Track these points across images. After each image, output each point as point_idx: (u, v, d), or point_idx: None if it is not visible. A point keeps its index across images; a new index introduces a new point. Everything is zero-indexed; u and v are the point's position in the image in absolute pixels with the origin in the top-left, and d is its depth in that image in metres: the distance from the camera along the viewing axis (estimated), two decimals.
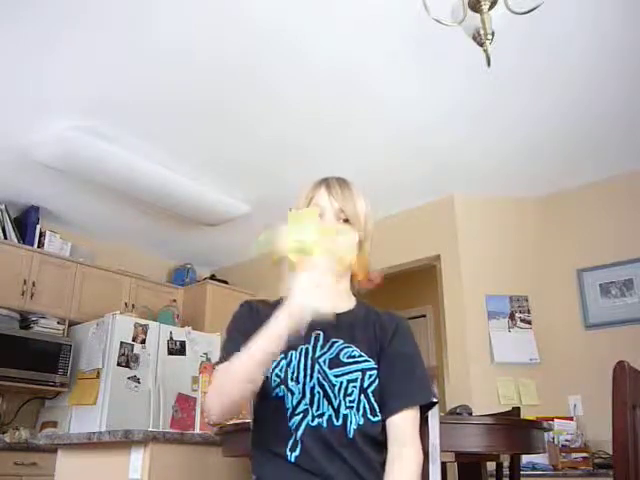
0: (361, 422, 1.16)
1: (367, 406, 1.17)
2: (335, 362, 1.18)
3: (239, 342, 1.12)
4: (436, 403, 1.26)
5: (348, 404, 1.16)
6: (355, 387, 1.17)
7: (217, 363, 1.19)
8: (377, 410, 1.18)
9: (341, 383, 1.16)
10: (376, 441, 1.18)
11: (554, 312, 3.82)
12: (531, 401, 3.62)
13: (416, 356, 1.26)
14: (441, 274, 4.09)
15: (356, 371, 1.18)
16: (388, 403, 1.18)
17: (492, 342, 3.79)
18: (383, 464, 1.18)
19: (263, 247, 1.04)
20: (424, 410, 1.25)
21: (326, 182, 1.30)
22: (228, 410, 1.14)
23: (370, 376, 1.18)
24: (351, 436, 1.15)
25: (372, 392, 1.18)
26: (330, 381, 1.16)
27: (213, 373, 1.18)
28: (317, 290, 1.01)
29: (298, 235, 1.02)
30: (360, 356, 1.20)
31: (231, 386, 1.10)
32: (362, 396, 1.17)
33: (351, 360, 1.19)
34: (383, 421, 1.19)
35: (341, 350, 1.20)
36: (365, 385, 1.18)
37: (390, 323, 1.27)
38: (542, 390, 3.68)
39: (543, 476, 3.22)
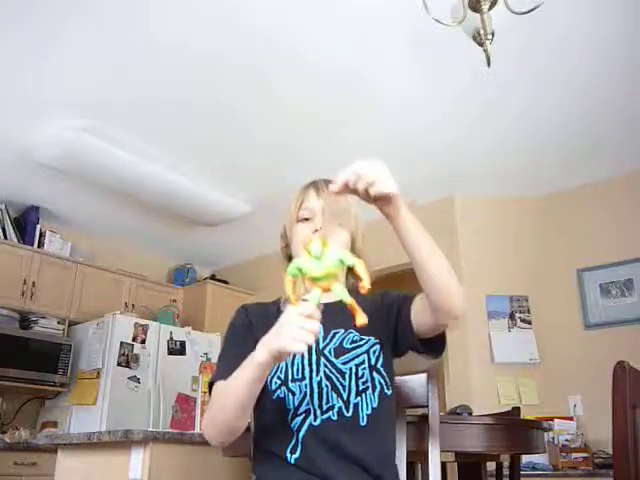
0: (375, 404, 1.18)
1: (382, 381, 1.20)
2: (340, 350, 1.20)
3: (232, 360, 1.13)
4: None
5: (362, 387, 1.17)
6: (365, 368, 1.19)
7: (211, 381, 1.20)
8: (389, 383, 1.22)
9: (350, 369, 1.18)
10: (391, 423, 1.21)
11: (554, 312, 3.82)
12: (531, 401, 3.62)
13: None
14: None
15: (361, 354, 1.20)
16: (406, 306, 1.20)
17: (492, 342, 3.80)
18: (393, 454, 1.22)
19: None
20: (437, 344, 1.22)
21: (314, 184, 1.33)
22: (226, 434, 1.14)
23: (374, 352, 1.21)
24: (364, 423, 1.15)
25: (382, 366, 1.21)
26: (339, 370, 1.18)
27: (210, 396, 1.19)
28: (300, 331, 0.94)
29: (301, 263, 0.97)
30: (361, 339, 1.22)
31: (224, 414, 1.11)
32: (374, 373, 1.19)
33: (354, 345, 1.21)
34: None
35: (343, 338, 1.22)
36: (373, 362, 1.20)
37: (375, 299, 1.28)
38: (542, 390, 3.68)
39: (543, 476, 3.22)
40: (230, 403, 1.09)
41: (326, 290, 0.98)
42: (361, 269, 0.97)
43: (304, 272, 0.97)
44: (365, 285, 0.96)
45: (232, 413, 1.09)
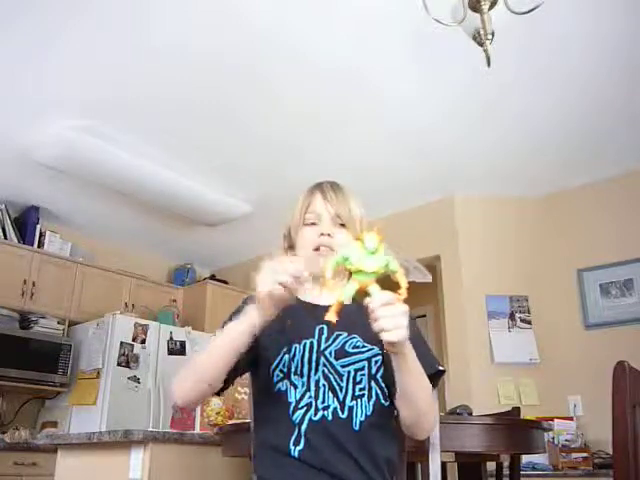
0: (369, 411, 1.17)
1: (379, 392, 1.19)
2: (341, 353, 1.20)
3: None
4: (443, 372, 1.27)
5: (358, 392, 1.17)
6: (364, 375, 1.19)
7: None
8: (388, 394, 1.20)
9: (349, 372, 1.18)
10: (384, 432, 1.19)
11: (554, 312, 3.82)
12: (531, 401, 3.62)
13: (415, 334, 1.27)
14: (441, 274, 4.09)
15: (362, 360, 1.20)
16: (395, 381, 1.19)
17: (492, 342, 3.79)
18: (388, 461, 1.19)
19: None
20: (433, 382, 1.25)
21: (320, 188, 1.34)
22: (196, 392, 1.18)
23: (376, 362, 1.20)
24: (357, 428, 1.15)
25: (381, 377, 1.20)
26: (337, 371, 1.18)
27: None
28: (274, 274, 1.00)
29: (351, 253, 0.99)
30: (363, 346, 1.22)
31: (204, 366, 1.15)
32: (372, 382, 1.19)
33: (356, 350, 1.21)
34: (393, 404, 1.20)
35: (346, 342, 1.21)
36: (373, 372, 1.20)
37: None
38: (542, 390, 3.68)
39: (543, 476, 3.22)
40: (211, 358, 1.14)
41: (363, 288, 0.99)
42: (401, 277, 0.98)
43: (351, 262, 0.98)
44: (403, 293, 0.97)
45: (211, 367, 1.14)
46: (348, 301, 1.02)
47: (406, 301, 1.00)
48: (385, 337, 0.99)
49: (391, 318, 0.97)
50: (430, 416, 1.19)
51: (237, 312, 1.29)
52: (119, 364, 3.96)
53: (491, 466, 2.46)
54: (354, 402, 1.17)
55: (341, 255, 0.99)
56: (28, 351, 3.94)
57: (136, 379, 4.01)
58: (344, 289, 0.98)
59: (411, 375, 1.10)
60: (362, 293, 0.99)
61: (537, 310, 3.88)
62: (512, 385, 3.70)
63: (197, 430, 2.47)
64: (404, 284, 0.98)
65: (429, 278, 1.24)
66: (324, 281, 1.00)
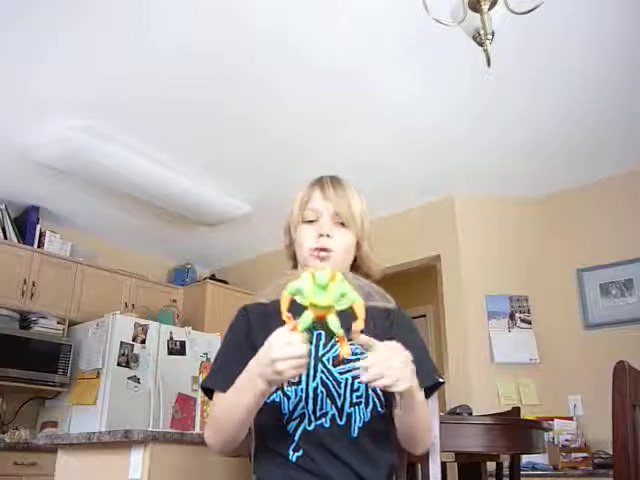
0: (367, 418, 1.16)
1: (376, 399, 1.17)
2: (339, 360, 1.17)
3: (228, 366, 1.16)
4: (442, 383, 1.25)
5: (355, 400, 1.16)
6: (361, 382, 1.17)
7: (206, 386, 1.22)
8: (384, 402, 1.18)
9: (346, 380, 1.16)
10: (382, 438, 1.18)
11: (554, 312, 3.82)
12: (531, 401, 3.62)
13: (416, 341, 1.26)
14: (441, 274, 4.09)
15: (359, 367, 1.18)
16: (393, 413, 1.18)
17: (492, 342, 3.79)
18: (387, 465, 1.19)
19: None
20: (431, 391, 1.24)
21: (320, 183, 1.29)
22: (228, 445, 1.17)
23: None
24: (355, 435, 1.14)
25: None
26: (335, 379, 1.16)
27: (211, 404, 1.21)
28: (287, 350, 0.96)
29: (303, 287, 0.96)
30: (362, 353, 1.17)
31: (226, 429, 1.14)
32: (370, 390, 1.17)
33: (354, 357, 1.17)
34: (391, 410, 1.18)
35: None
36: None
37: (387, 317, 1.27)
38: (542, 390, 3.68)
39: (543, 476, 3.22)
40: (230, 422, 1.12)
41: (320, 318, 0.98)
42: (359, 309, 0.97)
43: (304, 296, 0.96)
44: (359, 325, 0.96)
45: (233, 429, 1.13)
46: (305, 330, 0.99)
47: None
48: (391, 389, 0.99)
49: (392, 372, 0.97)
50: (427, 439, 1.20)
51: (235, 331, 1.27)
52: (119, 364, 3.96)
53: (491, 466, 2.46)
54: (352, 409, 1.15)
55: (294, 287, 0.97)
56: (28, 351, 3.94)
57: (136, 379, 4.01)
58: (300, 319, 0.97)
59: (414, 413, 1.10)
60: (320, 322, 0.98)
61: (537, 310, 3.88)
62: (512, 385, 3.70)
63: (197, 430, 2.47)
64: (361, 315, 0.97)
65: (392, 304, 1.22)
66: (282, 315, 0.97)
